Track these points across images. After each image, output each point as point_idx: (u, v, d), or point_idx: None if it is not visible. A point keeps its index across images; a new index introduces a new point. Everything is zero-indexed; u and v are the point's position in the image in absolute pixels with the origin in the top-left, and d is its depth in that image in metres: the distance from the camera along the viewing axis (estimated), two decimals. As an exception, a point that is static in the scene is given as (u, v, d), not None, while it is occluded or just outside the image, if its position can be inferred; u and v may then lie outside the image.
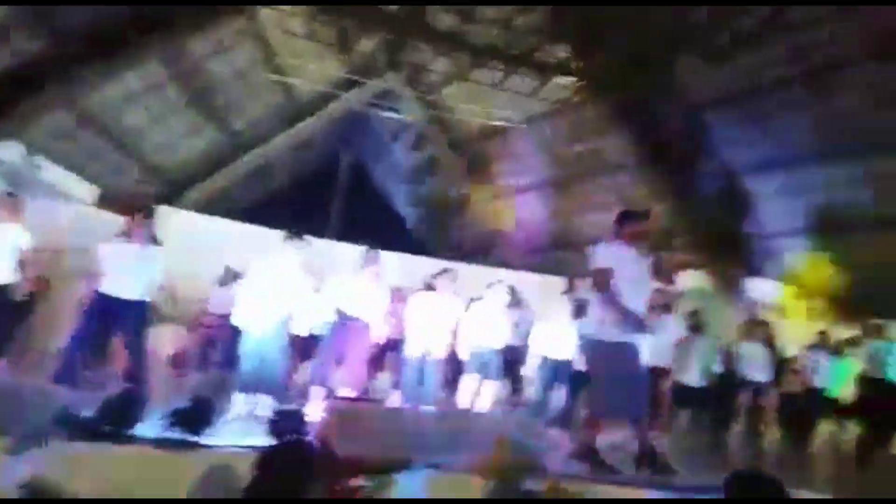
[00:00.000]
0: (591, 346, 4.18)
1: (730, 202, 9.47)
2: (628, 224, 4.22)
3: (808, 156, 8.41)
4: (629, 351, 4.03)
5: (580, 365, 4.64)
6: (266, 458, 1.98)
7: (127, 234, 4.76)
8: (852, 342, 7.09)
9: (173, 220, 8.23)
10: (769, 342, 6.77)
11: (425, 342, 5.72)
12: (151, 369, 4.77)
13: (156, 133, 10.13)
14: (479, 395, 6.00)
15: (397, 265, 8.12)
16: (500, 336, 6.06)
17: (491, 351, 5.97)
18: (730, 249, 9.36)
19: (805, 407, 6.93)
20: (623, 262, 4.04)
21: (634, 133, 10.11)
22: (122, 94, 8.94)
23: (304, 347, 6.34)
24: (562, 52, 10.06)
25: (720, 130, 9.18)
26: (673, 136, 9.73)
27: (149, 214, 4.92)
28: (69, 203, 8.67)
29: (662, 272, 4.11)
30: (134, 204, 5.15)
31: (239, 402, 4.67)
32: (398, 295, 6.37)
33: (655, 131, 9.84)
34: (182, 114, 10.19)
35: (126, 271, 4.61)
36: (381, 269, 5.62)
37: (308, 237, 5.27)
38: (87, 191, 8.94)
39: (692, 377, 6.52)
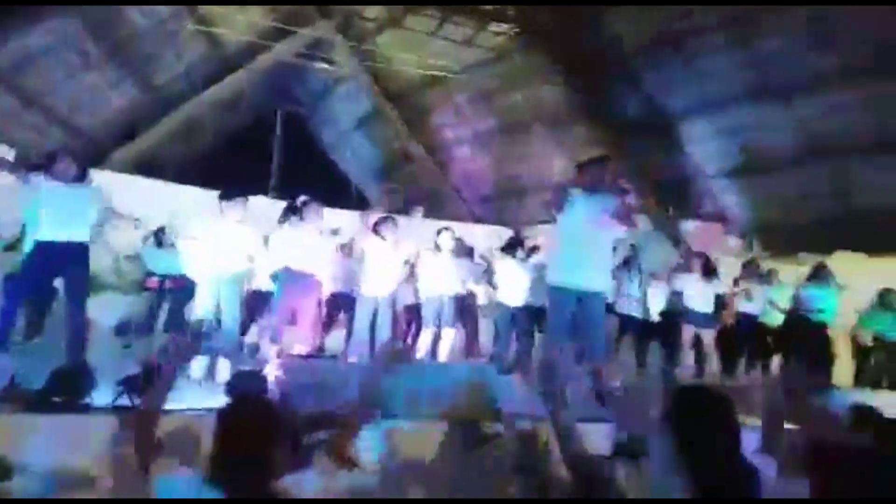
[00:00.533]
0: (555, 293, 4.29)
1: (666, 146, 9.74)
2: (588, 170, 4.30)
3: (739, 97, 8.72)
4: (594, 298, 4.19)
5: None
6: (226, 414, 1.93)
7: (51, 173, 4.35)
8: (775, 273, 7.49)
9: (100, 182, 7.83)
10: (708, 274, 7.03)
11: (376, 292, 5.71)
12: (98, 340, 4.56)
13: (72, 90, 9.49)
14: (434, 344, 6.08)
15: (344, 220, 8.00)
16: (451, 283, 6.11)
17: (444, 298, 6.03)
18: (668, 192, 9.68)
19: (736, 336, 7.33)
20: (586, 207, 4.14)
21: (570, 80, 10.19)
22: (34, 48, 8.31)
23: (254, 305, 6.26)
24: (497, -2, 9.95)
25: (654, 75, 9.36)
26: (608, 82, 9.86)
27: (63, 152, 4.58)
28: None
29: (624, 216, 4.20)
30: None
31: (197, 367, 4.59)
32: (344, 250, 6.31)
33: (591, 78, 9.95)
34: (100, 69, 9.57)
35: (60, 211, 4.26)
36: (322, 224, 5.51)
37: (243, 196, 5.10)
38: (6, 153, 8.36)
39: (634, 309, 6.84)
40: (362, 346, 5.58)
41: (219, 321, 4.85)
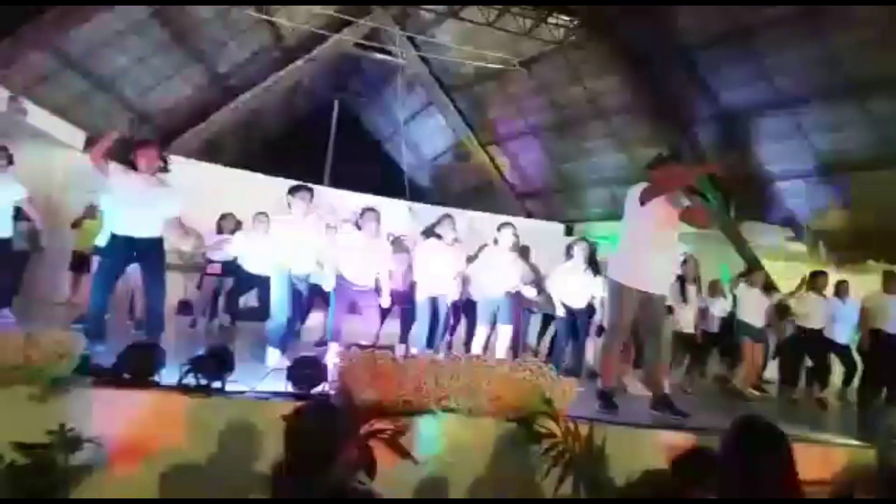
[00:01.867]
0: (618, 292, 4.21)
1: (730, 145, 9.43)
2: (663, 169, 4.16)
3: (810, 95, 8.36)
4: (658, 301, 4.10)
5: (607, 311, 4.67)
6: (297, 418, 2.01)
7: (133, 167, 4.42)
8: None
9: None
10: (766, 287, 6.85)
11: (433, 290, 5.71)
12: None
13: (140, 75, 9.80)
14: (490, 341, 6.05)
15: (396, 213, 8.06)
16: (510, 281, 6.03)
17: (501, 296, 5.95)
18: (732, 192, 9.35)
19: (799, 349, 7.09)
20: (658, 207, 4.04)
21: (632, 75, 9.96)
22: (104, 35, 8.61)
23: (316, 298, 6.41)
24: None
25: (719, 71, 9.06)
26: (671, 77, 9.60)
27: (154, 143, 4.67)
28: (59, 149, 8.49)
29: (697, 217, 4.09)
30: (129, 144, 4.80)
31: (273, 356, 4.74)
32: (399, 245, 6.35)
33: (653, 73, 9.70)
34: (166, 56, 9.86)
35: (138, 207, 4.35)
36: (380, 226, 5.55)
37: (310, 191, 5.14)
38: (75, 136, 8.72)
39: (689, 322, 6.66)
40: (420, 343, 5.61)
41: (278, 311, 4.95)
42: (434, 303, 5.72)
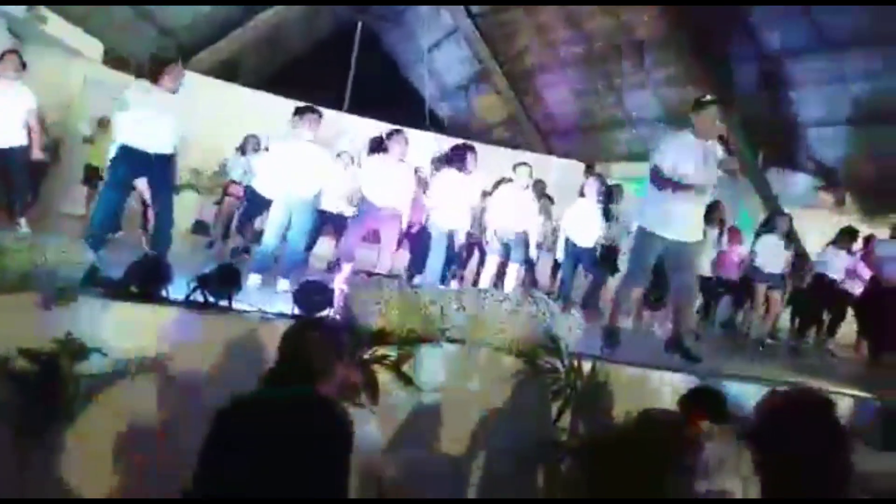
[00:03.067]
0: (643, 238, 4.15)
1: (765, 87, 9.06)
2: (697, 114, 3.99)
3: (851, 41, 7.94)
4: (684, 247, 4.05)
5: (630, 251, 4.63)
6: (290, 334, 1.99)
7: (154, 80, 4.35)
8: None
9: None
10: (789, 236, 6.70)
11: (449, 221, 5.68)
12: (175, 237, 4.72)
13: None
14: (501, 275, 6.03)
15: (417, 142, 7.91)
16: (525, 219, 5.99)
17: (515, 233, 5.92)
18: (761, 136, 9.04)
19: (815, 299, 7.00)
20: (691, 154, 3.91)
21: (667, 9, 9.49)
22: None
23: (331, 225, 6.41)
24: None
25: (760, 11, 8.60)
26: (710, 12, 9.13)
27: (178, 62, 4.54)
28: (76, 59, 8.38)
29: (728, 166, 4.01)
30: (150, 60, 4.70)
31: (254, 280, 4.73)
32: (417, 177, 6.26)
33: (691, 6, 9.23)
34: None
35: (151, 122, 4.28)
36: (407, 152, 5.47)
37: (316, 113, 5.01)
38: (93, 47, 8.59)
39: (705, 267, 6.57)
40: (432, 273, 5.61)
41: (285, 237, 4.94)
42: (448, 234, 5.67)
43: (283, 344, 1.92)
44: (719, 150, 3.97)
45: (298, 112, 4.97)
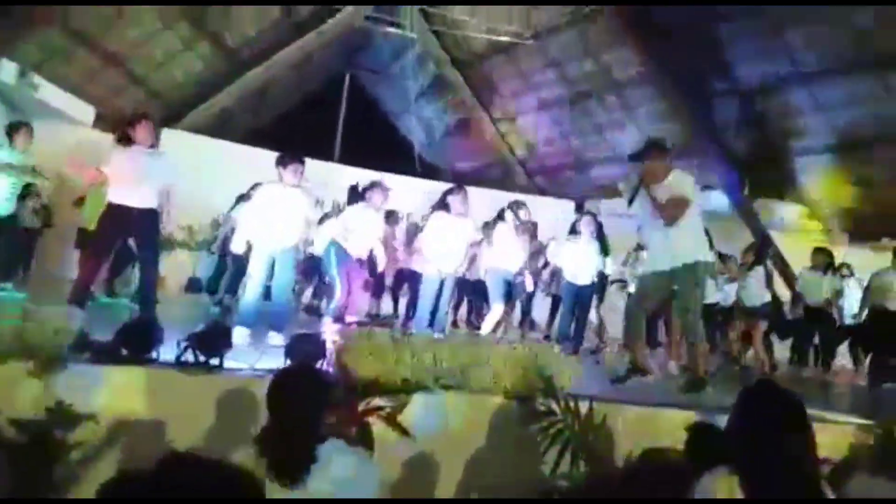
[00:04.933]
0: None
1: (745, 120, 9.23)
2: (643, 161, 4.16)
3: (829, 71, 8.13)
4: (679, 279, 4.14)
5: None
6: (278, 381, 1.99)
7: (128, 140, 4.47)
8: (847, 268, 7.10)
9: (174, 143, 8.08)
10: (774, 265, 6.77)
11: (442, 265, 5.69)
12: (168, 296, 4.72)
13: (150, 51, 9.77)
14: (494, 319, 6.02)
15: (405, 189, 8.02)
16: (517, 260, 5.99)
17: (508, 274, 5.91)
18: (744, 168, 9.19)
19: (800, 326, 7.01)
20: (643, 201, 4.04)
21: (645, 49, 9.73)
22: (114, 10, 8.57)
23: (308, 271, 6.39)
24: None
25: (737, 45, 8.83)
26: (687, 50, 9.37)
27: (148, 117, 4.65)
28: (69, 125, 8.51)
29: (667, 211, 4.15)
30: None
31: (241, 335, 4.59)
32: (407, 224, 6.32)
33: (669, 46, 9.47)
34: (175, 30, 9.80)
35: (134, 178, 4.35)
36: (386, 200, 5.53)
37: (299, 161, 4.96)
38: (85, 112, 8.74)
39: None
40: (423, 320, 5.60)
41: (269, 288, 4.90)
42: (441, 278, 5.67)
43: (267, 398, 1.91)
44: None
45: (281, 161, 4.93)
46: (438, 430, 3.20)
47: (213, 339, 3.13)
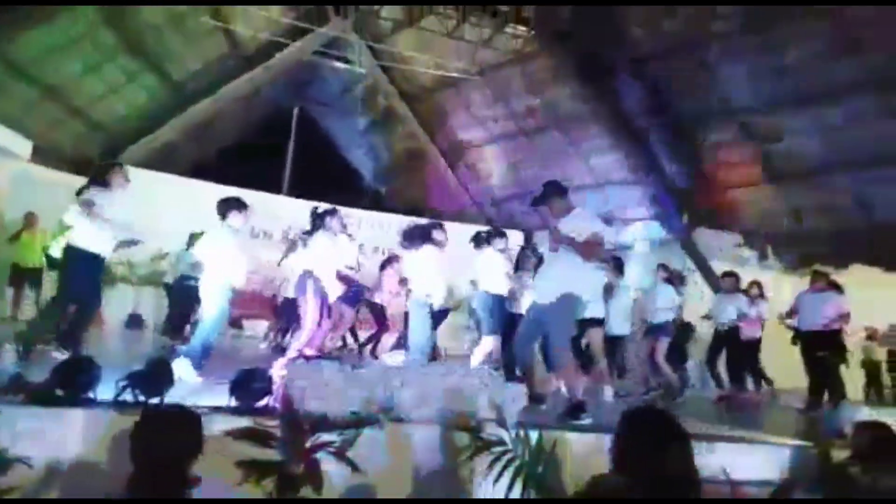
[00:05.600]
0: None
1: (685, 151, 9.62)
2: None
3: (761, 104, 8.58)
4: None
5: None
6: (138, 426, 1.99)
7: (107, 185, 4.73)
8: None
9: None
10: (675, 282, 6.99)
11: (433, 297, 5.76)
12: (108, 332, 4.63)
13: (91, 84, 9.56)
14: (485, 350, 5.97)
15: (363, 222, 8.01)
16: (497, 286, 6.04)
17: (496, 302, 5.95)
18: (684, 199, 9.56)
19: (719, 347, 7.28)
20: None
21: (588, 83, 10.10)
22: (53, 42, 8.37)
23: (271, 308, 6.32)
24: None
25: (673, 80, 9.25)
26: (625, 85, 9.77)
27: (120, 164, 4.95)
28: (5, 158, 8.23)
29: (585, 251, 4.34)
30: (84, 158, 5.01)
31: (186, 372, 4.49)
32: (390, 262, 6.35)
33: (608, 81, 9.86)
34: (118, 62, 9.62)
35: (110, 225, 4.61)
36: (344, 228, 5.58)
37: (240, 205, 4.97)
38: (22, 145, 8.46)
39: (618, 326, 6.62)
40: (418, 349, 5.58)
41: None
42: (424, 310, 5.70)
43: (133, 441, 1.90)
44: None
45: (224, 206, 4.92)
46: (388, 464, 3.17)
47: (154, 378, 3.04)
